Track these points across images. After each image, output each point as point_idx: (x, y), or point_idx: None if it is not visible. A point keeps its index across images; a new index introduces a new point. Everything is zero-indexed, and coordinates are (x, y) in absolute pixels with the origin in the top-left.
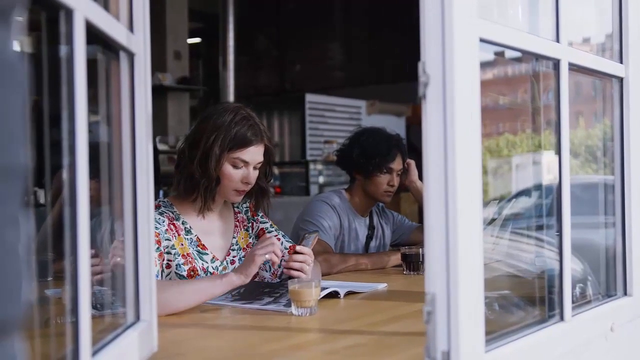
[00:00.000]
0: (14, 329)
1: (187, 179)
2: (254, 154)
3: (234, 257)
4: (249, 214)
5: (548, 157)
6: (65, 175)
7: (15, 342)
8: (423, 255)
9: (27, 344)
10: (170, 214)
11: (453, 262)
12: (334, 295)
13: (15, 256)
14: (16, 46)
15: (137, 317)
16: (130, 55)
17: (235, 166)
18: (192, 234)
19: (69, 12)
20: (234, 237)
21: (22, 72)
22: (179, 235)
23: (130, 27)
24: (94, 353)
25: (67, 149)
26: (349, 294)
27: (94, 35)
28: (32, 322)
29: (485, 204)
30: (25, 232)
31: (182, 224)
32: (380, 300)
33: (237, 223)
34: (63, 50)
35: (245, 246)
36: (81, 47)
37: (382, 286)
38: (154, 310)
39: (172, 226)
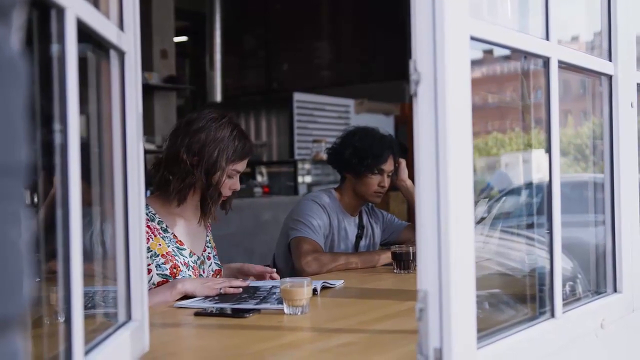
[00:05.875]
0: (15, 326)
1: (187, 187)
2: (245, 164)
3: (209, 253)
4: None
5: (537, 156)
6: (57, 175)
7: (17, 339)
8: (413, 253)
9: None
10: (145, 215)
11: (445, 260)
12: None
13: (17, 253)
14: (16, 44)
15: (129, 317)
16: (121, 54)
17: (230, 176)
18: (169, 232)
19: (61, 11)
20: (207, 236)
21: (23, 70)
22: (155, 235)
23: (121, 26)
24: (86, 352)
25: (59, 149)
26: (323, 288)
27: (84, 34)
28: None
29: (475, 202)
30: (26, 229)
31: (158, 223)
32: (371, 299)
33: (208, 223)
34: (54, 48)
35: (213, 246)
36: (73, 45)
37: (339, 283)
38: (146, 310)
39: (147, 228)
